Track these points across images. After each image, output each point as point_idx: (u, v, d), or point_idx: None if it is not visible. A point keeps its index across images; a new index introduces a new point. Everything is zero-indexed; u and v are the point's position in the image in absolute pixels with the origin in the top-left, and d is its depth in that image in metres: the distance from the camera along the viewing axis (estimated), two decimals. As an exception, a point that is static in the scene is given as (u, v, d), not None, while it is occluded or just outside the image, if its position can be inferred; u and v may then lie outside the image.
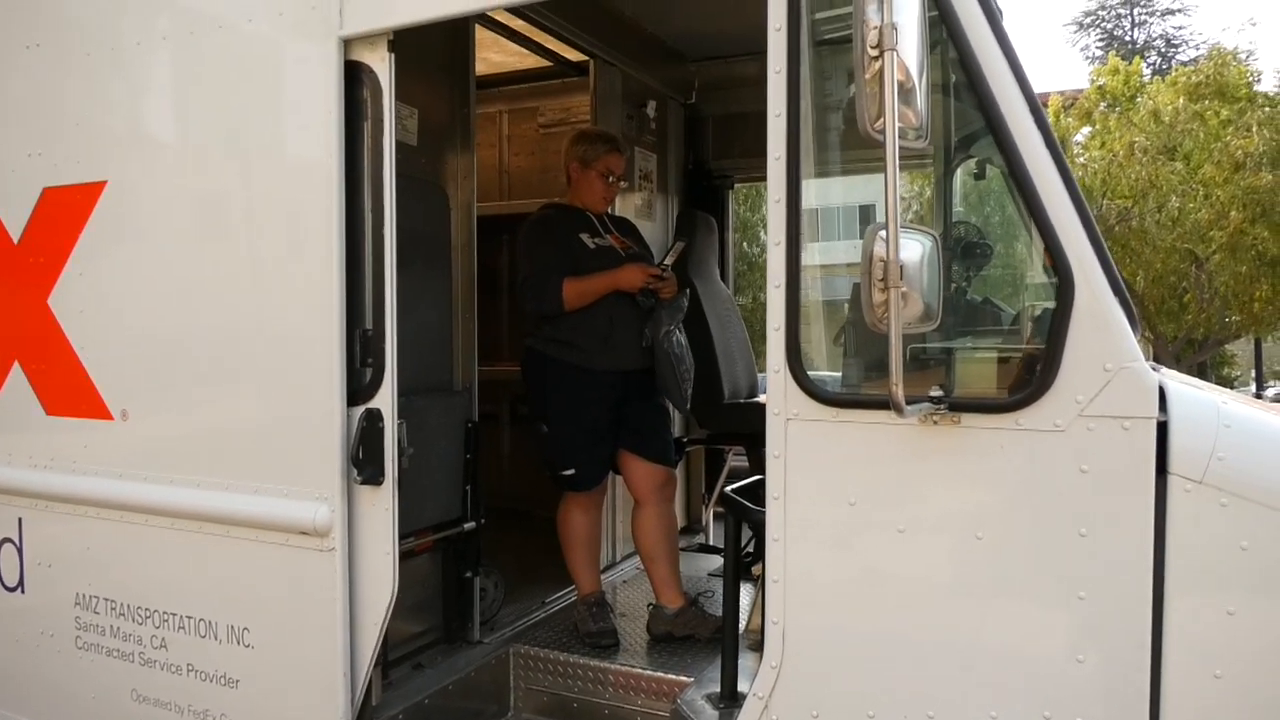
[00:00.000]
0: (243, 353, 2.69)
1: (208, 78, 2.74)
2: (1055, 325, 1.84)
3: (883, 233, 1.72)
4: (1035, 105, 1.86)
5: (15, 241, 3.09)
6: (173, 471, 2.81)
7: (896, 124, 1.68)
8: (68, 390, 3.01)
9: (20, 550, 3.16)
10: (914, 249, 1.75)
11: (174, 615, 2.83)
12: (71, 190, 2.96)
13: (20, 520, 3.15)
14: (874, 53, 1.67)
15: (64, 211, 2.97)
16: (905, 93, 1.69)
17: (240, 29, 2.67)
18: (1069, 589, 1.86)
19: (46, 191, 3.01)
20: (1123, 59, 17.03)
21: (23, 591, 3.16)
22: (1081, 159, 15.31)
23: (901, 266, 1.70)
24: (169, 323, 2.81)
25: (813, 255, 2.11)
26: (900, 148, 1.72)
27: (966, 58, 1.87)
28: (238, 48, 2.67)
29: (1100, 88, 16.32)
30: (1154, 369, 1.87)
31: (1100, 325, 1.83)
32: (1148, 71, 18.39)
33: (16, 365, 3.13)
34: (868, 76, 1.69)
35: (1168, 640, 1.79)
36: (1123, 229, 14.45)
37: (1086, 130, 16.47)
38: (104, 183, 2.90)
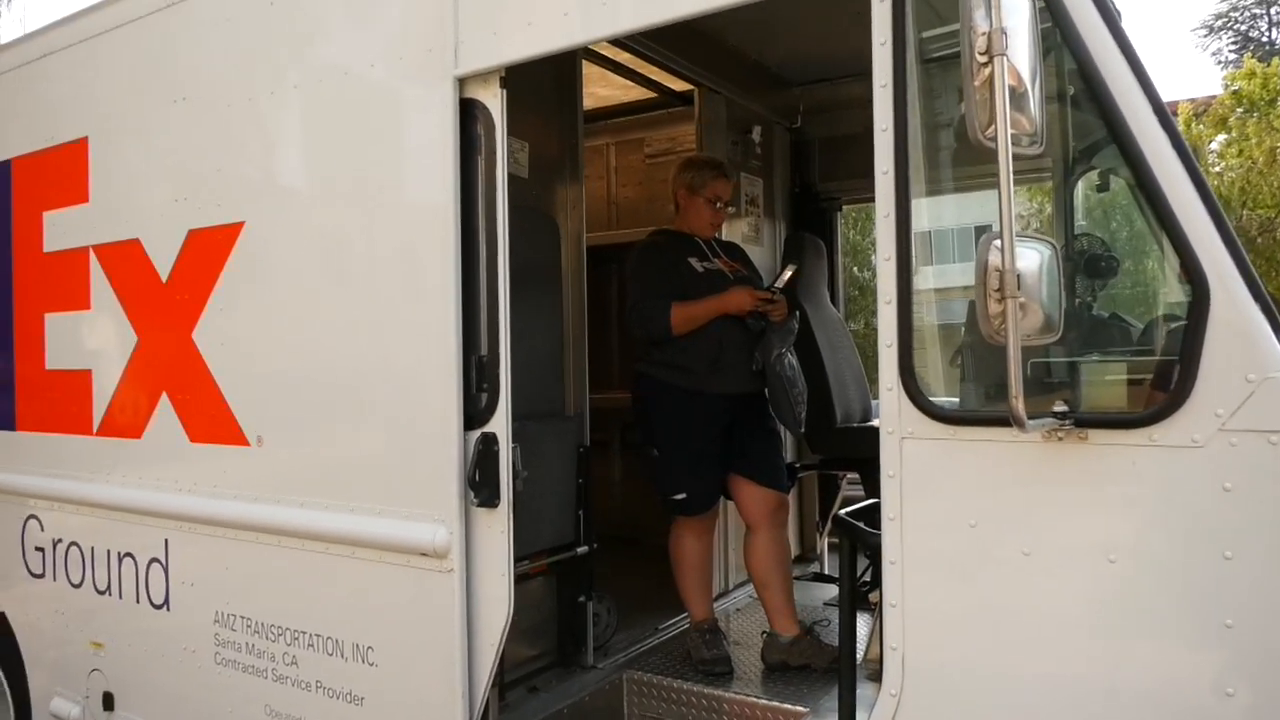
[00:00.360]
0: (367, 378, 2.81)
1: (334, 121, 2.90)
2: (1190, 333, 1.74)
3: (998, 241, 1.67)
4: (1159, 104, 1.78)
5: (164, 281, 3.33)
6: (302, 495, 2.95)
7: (1009, 130, 1.63)
8: (209, 419, 3.20)
9: (166, 570, 3.37)
10: (1032, 258, 1.69)
11: (304, 633, 2.95)
12: (213, 231, 3.17)
13: (166, 541, 3.36)
14: (983, 59, 1.63)
15: (206, 251, 3.19)
16: (1017, 98, 1.65)
17: (364, 75, 2.82)
18: (1214, 616, 1.73)
19: (191, 233, 3.24)
20: (1259, 60, 16.04)
21: (168, 609, 3.37)
22: (1217, 168, 14.46)
23: (1019, 276, 1.64)
24: (300, 352, 2.97)
25: (927, 278, 2.07)
26: (1014, 155, 1.68)
27: (1082, 59, 1.80)
28: (361, 91, 2.83)
29: (1235, 92, 15.40)
30: None
31: (1240, 332, 1.71)
32: (1289, 74, 17.24)
33: (164, 396, 3.36)
34: (977, 83, 1.65)
35: (1330, 672, 1.65)
36: (1266, 240, 13.54)
37: (1222, 138, 15.56)
38: (241, 223, 3.10)
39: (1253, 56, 16.90)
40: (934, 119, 2.05)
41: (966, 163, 2.06)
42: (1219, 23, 31.46)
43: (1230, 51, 30.33)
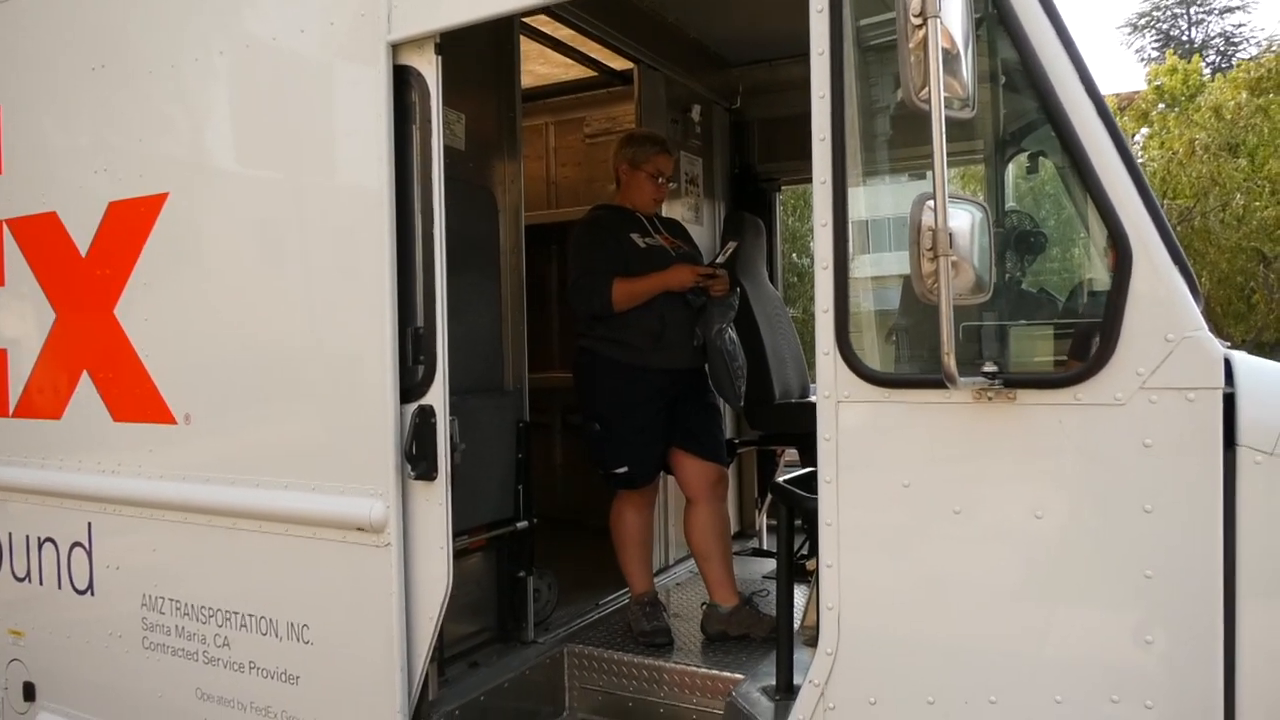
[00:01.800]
0: (300, 350, 2.75)
1: (262, 88, 2.82)
2: (1113, 295, 1.79)
3: (930, 201, 1.69)
4: (1085, 72, 1.82)
5: (83, 255, 3.20)
6: (234, 472, 2.87)
7: (942, 92, 1.66)
8: (133, 397, 3.10)
9: (90, 554, 3.25)
10: (963, 218, 1.72)
11: (236, 614, 2.88)
12: (134, 203, 3.06)
13: (90, 525, 3.24)
14: (917, 20, 1.66)
15: (128, 224, 3.07)
16: (950, 60, 1.67)
17: (293, 40, 2.75)
18: (1135, 568, 1.80)
19: (111, 205, 3.12)
20: (1181, 58, 16.63)
21: (92, 594, 3.25)
22: (1140, 159, 14.97)
23: (951, 235, 1.67)
24: (230, 325, 2.89)
25: (864, 265, 2.09)
26: (947, 119, 1.71)
27: (1010, 23, 1.84)
28: (290, 58, 2.75)
29: (1158, 88, 15.96)
30: (1222, 344, 1.81)
31: (1160, 293, 1.77)
32: (1207, 70, 17.92)
33: (86, 375, 3.23)
34: (911, 45, 1.68)
35: (1241, 617, 1.72)
36: (1185, 229, 14.07)
37: (1144, 131, 16.11)
38: (165, 194, 2.99)
39: (1174, 54, 17.53)
40: (870, 82, 2.07)
41: (903, 127, 2.09)
42: (1142, 21, 32.54)
43: (1153, 49, 31.41)
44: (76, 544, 3.30)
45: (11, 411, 3.48)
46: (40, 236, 3.35)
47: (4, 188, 3.46)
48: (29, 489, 3.41)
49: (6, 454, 3.49)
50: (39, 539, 3.41)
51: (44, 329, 3.35)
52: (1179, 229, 13.92)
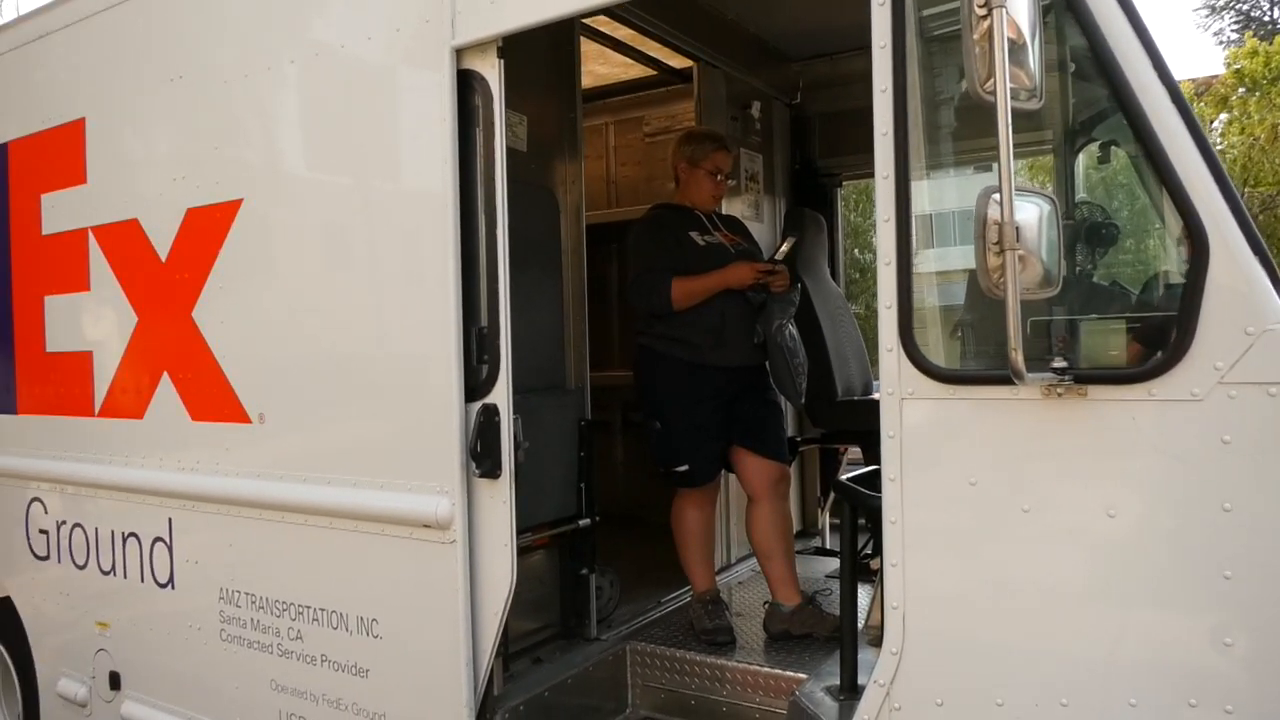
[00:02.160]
0: (369, 351, 2.81)
1: (331, 95, 2.90)
2: (1189, 286, 1.74)
3: (996, 195, 1.66)
4: (1157, 57, 1.77)
5: (163, 260, 3.33)
6: (305, 470, 2.95)
7: (1008, 84, 1.63)
8: (210, 397, 3.21)
9: (170, 549, 3.38)
10: (1030, 211, 1.69)
11: (309, 608, 2.97)
12: (211, 209, 3.16)
13: (170, 520, 3.37)
14: (982, 10, 1.63)
15: (205, 229, 3.18)
16: (1016, 51, 1.64)
17: (360, 47, 2.81)
18: (1213, 568, 1.74)
19: (189, 212, 3.23)
20: (1262, 40, 15.95)
21: (173, 588, 3.38)
22: (1219, 146, 14.40)
23: (1018, 228, 1.64)
24: (301, 326, 2.97)
25: (928, 260, 2.07)
26: (1013, 110, 1.67)
27: (1079, 9, 1.80)
28: (358, 64, 2.82)
29: (1237, 71, 15.32)
30: None
31: (1239, 285, 1.71)
32: (1291, 52, 17.14)
33: (166, 375, 3.36)
34: (976, 36, 1.65)
35: (1329, 620, 1.65)
36: (1267, 218, 13.50)
37: (1223, 117, 15.49)
38: (239, 200, 3.09)
39: (1254, 36, 16.81)
40: (933, 75, 2.04)
41: (966, 120, 2.05)
42: (1220, 2, 31.29)
43: (1232, 31, 30.16)
44: (158, 539, 3.42)
45: (97, 411, 3.63)
46: (123, 243, 3.48)
47: (89, 197, 3.61)
48: (113, 486, 3.56)
49: (93, 452, 3.65)
50: (123, 534, 3.55)
51: (127, 332, 3.48)
52: (1261, 218, 13.35)
